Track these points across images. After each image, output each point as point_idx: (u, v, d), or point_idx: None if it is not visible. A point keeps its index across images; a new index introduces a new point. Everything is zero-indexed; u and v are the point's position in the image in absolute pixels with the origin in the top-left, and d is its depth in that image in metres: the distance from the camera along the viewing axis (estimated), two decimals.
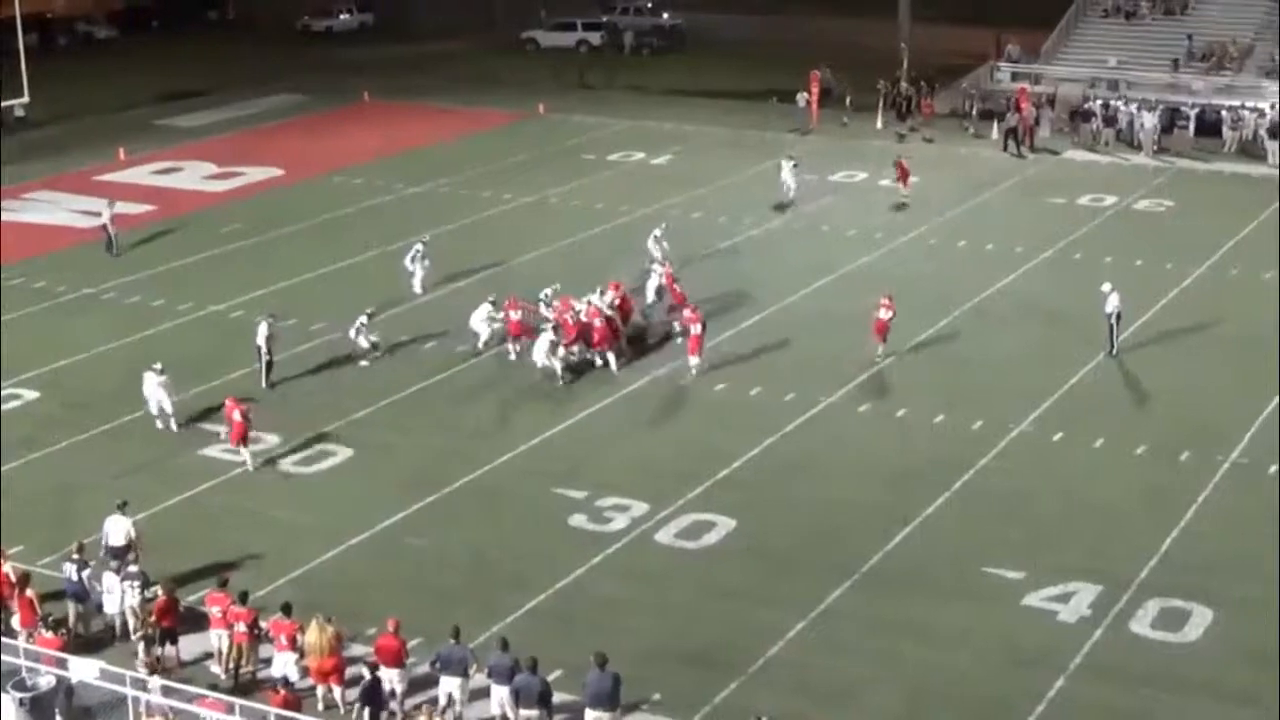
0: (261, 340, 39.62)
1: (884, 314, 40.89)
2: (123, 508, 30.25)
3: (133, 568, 28.44)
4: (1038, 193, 57.81)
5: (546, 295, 41.75)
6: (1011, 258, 49.53)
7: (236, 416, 35.12)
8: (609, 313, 40.79)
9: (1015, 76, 71.74)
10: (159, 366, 37.31)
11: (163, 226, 54.43)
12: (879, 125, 67.57)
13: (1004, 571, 30.30)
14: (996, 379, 39.92)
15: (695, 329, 39.84)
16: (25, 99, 65.07)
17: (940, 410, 37.88)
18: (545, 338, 39.78)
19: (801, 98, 69.36)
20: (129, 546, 29.64)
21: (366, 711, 25.32)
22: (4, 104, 65.99)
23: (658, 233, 47.81)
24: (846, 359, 40.89)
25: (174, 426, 37.07)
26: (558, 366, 39.62)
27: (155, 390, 37.07)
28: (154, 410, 37.22)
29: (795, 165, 56.24)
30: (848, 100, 70.29)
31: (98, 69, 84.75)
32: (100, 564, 29.15)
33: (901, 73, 71.22)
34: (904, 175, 56.56)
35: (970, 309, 44.79)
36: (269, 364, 39.68)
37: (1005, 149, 63.49)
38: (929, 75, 71.83)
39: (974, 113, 67.91)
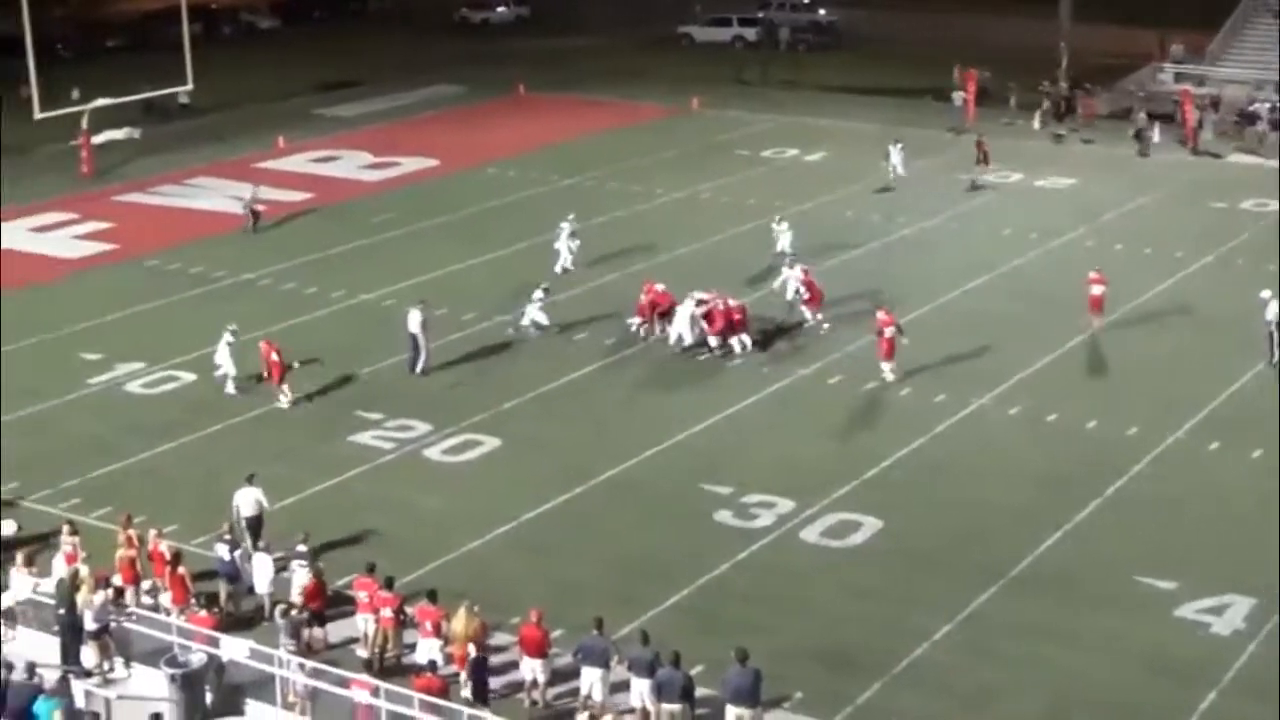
0: (415, 327, 39.97)
1: (1096, 289, 41.64)
2: (251, 479, 30.96)
3: (301, 547, 28.85)
4: (1199, 196, 56.65)
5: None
6: (1170, 262, 48.59)
7: (274, 357, 37.61)
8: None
9: (1179, 77, 70.47)
10: (234, 328, 39.07)
11: (319, 214, 55.24)
12: (1036, 126, 66.66)
13: (1156, 581, 29.73)
14: (1152, 385, 39.19)
15: (889, 331, 39.32)
16: (189, 86, 66.26)
17: (1094, 415, 37.28)
18: (689, 308, 40.74)
19: (958, 96, 68.68)
20: (260, 517, 30.41)
21: (469, 687, 25.59)
22: (168, 91, 67.34)
23: (777, 225, 48.16)
24: (999, 360, 40.43)
25: (233, 389, 38.57)
26: (689, 338, 40.63)
27: (224, 354, 38.74)
28: (223, 372, 38.77)
29: (902, 149, 57.13)
30: (1012, 100, 69.34)
31: (260, 58, 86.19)
32: (250, 545, 29.68)
33: (1060, 72, 70.23)
34: (985, 156, 55.97)
35: (1127, 313, 43.97)
36: (421, 351, 40.06)
37: (1139, 150, 62.39)
38: (1090, 75, 70.71)
39: (1140, 114, 66.65)
